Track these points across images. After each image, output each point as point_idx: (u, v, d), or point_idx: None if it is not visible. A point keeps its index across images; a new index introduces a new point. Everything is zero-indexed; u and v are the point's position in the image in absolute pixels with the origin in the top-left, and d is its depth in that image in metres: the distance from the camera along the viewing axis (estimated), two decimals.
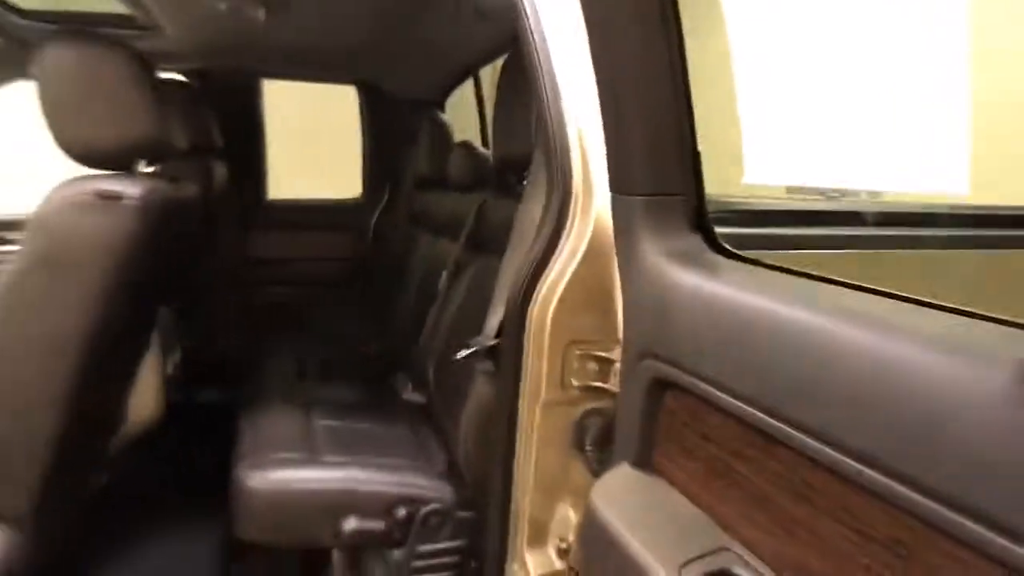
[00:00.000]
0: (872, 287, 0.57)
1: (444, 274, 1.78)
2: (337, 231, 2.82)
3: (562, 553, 1.10)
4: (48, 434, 1.07)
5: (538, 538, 1.12)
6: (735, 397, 0.60)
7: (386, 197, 2.83)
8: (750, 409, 0.58)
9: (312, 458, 1.28)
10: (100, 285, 1.07)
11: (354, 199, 2.88)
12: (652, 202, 0.77)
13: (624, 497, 0.73)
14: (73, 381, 1.06)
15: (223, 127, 2.47)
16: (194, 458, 1.91)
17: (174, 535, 1.59)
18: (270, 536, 1.21)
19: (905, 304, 0.53)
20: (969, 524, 0.38)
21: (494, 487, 1.13)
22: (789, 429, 0.53)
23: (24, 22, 2.00)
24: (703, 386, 0.65)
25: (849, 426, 0.48)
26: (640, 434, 0.76)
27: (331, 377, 1.85)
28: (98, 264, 1.06)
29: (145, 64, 1.21)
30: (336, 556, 1.24)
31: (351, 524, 1.20)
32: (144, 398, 1.70)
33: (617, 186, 0.82)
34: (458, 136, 2.32)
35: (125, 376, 1.48)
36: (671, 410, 0.73)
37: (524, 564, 1.11)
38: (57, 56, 1.13)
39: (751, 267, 0.70)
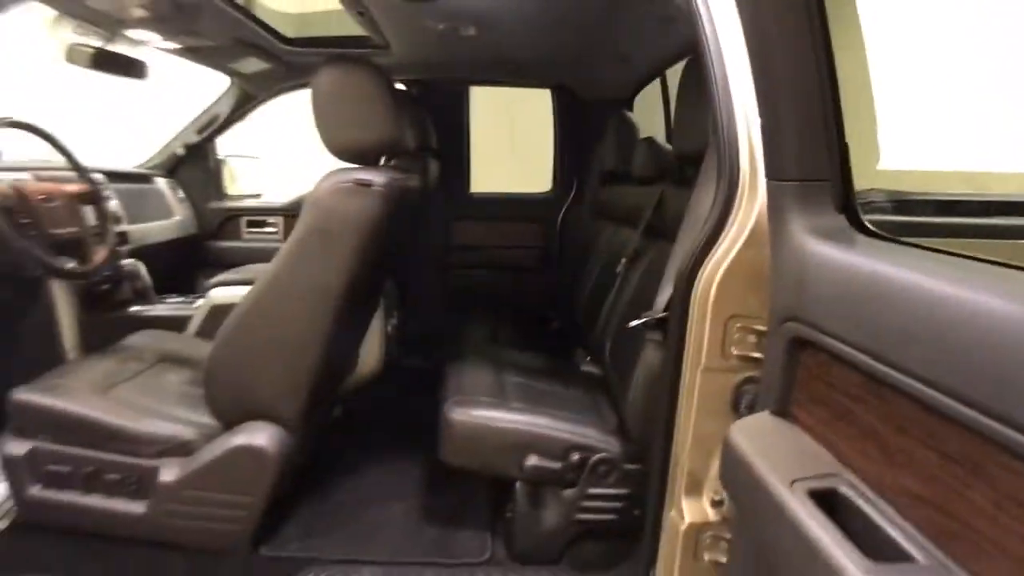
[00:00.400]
0: (988, 259, 0.66)
1: (623, 260, 1.95)
2: (529, 222, 3.09)
3: (715, 504, 1.23)
4: (314, 359, 1.42)
5: (694, 490, 1.25)
6: (858, 350, 0.71)
7: (573, 192, 3.05)
8: (868, 359, 0.69)
9: (504, 404, 1.53)
10: (352, 250, 1.40)
11: (545, 193, 3.13)
12: (802, 186, 0.89)
13: (757, 433, 0.86)
14: (331, 320, 1.40)
15: (437, 128, 2.85)
16: (405, 404, 2.28)
17: (389, 458, 1.94)
18: (467, 462, 1.47)
19: (1009, 271, 0.62)
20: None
21: (656, 443, 1.28)
22: (896, 373, 0.64)
23: (286, 47, 2.48)
24: (833, 342, 0.76)
25: (944, 369, 0.59)
26: (779, 386, 0.88)
27: (519, 346, 2.10)
28: (353, 234, 1.38)
29: (387, 80, 1.53)
30: (519, 487, 1.47)
31: (532, 461, 1.43)
32: (370, 351, 2.08)
33: (772, 173, 0.95)
34: (643, 133, 2.47)
35: (359, 329, 1.84)
36: (806, 365, 0.85)
37: (681, 512, 1.25)
38: (327, 75, 1.47)
39: (885, 243, 0.79)
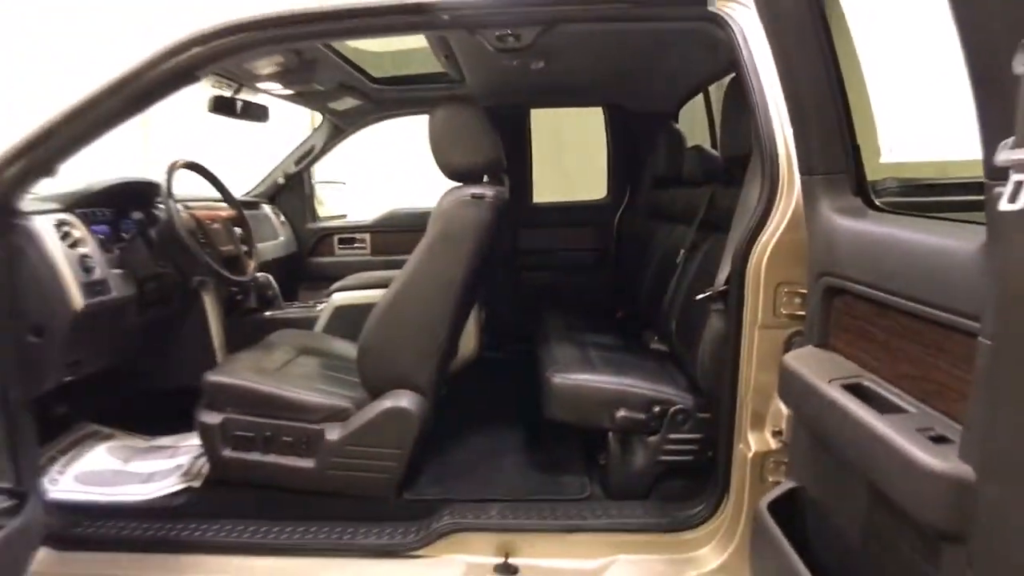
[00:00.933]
0: (949, 218, 0.98)
1: (682, 251, 2.27)
2: (586, 226, 3.44)
3: (775, 435, 1.55)
4: (442, 338, 1.80)
5: (757, 425, 1.57)
6: (871, 288, 1.04)
7: (627, 197, 3.39)
8: (878, 293, 1.02)
9: (594, 369, 1.88)
10: (469, 250, 1.77)
11: (600, 200, 3.47)
12: (827, 179, 1.22)
13: (804, 357, 1.19)
14: (453, 306, 1.78)
15: (507, 148, 3.22)
16: (494, 385, 2.65)
17: (492, 426, 2.30)
18: (568, 417, 1.82)
19: (959, 225, 0.94)
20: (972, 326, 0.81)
21: (724, 391, 1.61)
22: (895, 299, 0.97)
23: (374, 85, 2.89)
24: (855, 286, 1.09)
25: (922, 288, 0.91)
26: (818, 325, 1.21)
27: (593, 331, 2.45)
28: (470, 237, 1.76)
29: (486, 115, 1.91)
30: (611, 437, 1.81)
31: (622, 413, 1.76)
32: (468, 339, 2.44)
33: (804, 170, 1.28)
34: (689, 142, 2.80)
35: (464, 319, 2.20)
36: (836, 307, 1.17)
37: (748, 444, 1.57)
38: (442, 112, 1.85)
39: (889, 215, 1.12)
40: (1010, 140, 0.64)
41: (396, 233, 3.39)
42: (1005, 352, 0.69)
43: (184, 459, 2.12)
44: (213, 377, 1.88)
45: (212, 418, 1.87)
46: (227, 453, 1.87)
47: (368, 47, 2.68)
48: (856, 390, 1.01)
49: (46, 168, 1.68)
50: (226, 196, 2.42)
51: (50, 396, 2.06)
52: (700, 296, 1.69)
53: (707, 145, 2.78)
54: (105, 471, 2.08)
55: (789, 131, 1.45)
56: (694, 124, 3.19)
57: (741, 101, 1.68)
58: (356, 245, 3.47)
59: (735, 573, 1.61)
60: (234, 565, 1.71)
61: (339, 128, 3.25)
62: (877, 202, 1.18)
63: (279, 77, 2.38)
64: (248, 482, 1.89)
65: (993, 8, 0.67)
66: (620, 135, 3.35)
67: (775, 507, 1.27)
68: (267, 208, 3.27)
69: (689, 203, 2.42)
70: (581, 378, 1.82)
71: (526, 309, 3.06)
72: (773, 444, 1.55)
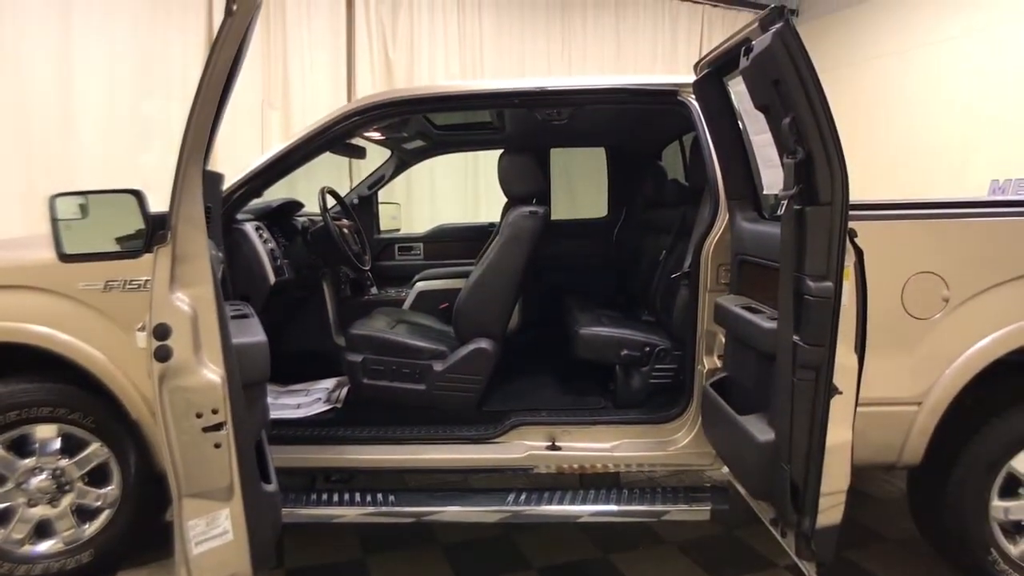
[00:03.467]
0: None
1: (663, 252, 3.27)
2: (592, 238, 4.45)
3: (719, 358, 2.54)
4: (509, 304, 2.80)
5: (708, 353, 2.57)
6: (758, 258, 2.06)
7: (623, 216, 4.40)
8: (762, 260, 2.03)
9: (605, 325, 2.87)
10: (526, 249, 2.76)
11: (602, 218, 4.49)
12: (740, 201, 2.24)
13: (728, 298, 2.21)
14: (515, 286, 2.77)
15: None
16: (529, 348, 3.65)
17: (535, 368, 3.28)
18: (590, 355, 2.80)
19: None
20: None
21: (689, 334, 2.59)
22: (767, 261, 1.98)
23: (437, 131, 3.90)
24: (751, 258, 2.11)
25: (775, 254, 1.92)
26: (735, 281, 2.22)
27: (602, 306, 3.45)
28: (529, 240, 2.75)
29: (534, 153, 2.91)
30: (617, 368, 2.79)
31: (624, 352, 2.75)
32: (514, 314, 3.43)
33: (729, 196, 2.29)
34: (671, 174, 3.82)
35: (519, 296, 3.19)
36: (744, 271, 2.20)
37: (703, 365, 2.56)
38: (509, 157, 2.86)
39: (769, 221, 2.15)
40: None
41: (444, 243, 4.38)
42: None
43: (321, 394, 3.07)
44: (354, 330, 2.84)
45: (355, 357, 2.82)
46: (366, 381, 2.82)
47: None
48: (749, 308, 2.02)
49: (257, 192, 2.67)
50: (347, 212, 3.42)
51: None
52: (674, 275, 2.69)
53: (681, 178, 3.81)
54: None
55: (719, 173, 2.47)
56: (675, 162, 4.22)
57: (699, 152, 2.69)
58: (412, 252, 4.45)
59: (698, 445, 2.58)
60: (374, 451, 2.66)
61: (405, 162, 4.25)
62: (764, 214, 2.19)
63: (383, 130, 3.38)
64: (380, 402, 2.84)
65: (780, 125, 1.69)
66: (617, 169, 4.39)
67: (713, 386, 2.27)
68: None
69: (669, 219, 3.43)
70: (598, 330, 2.81)
71: (545, 298, 4.06)
72: (718, 363, 2.54)
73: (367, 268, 3.38)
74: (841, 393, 1.78)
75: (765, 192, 2.23)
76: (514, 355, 3.37)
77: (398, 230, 4.68)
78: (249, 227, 2.73)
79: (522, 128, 3.82)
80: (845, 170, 1.69)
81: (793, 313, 1.77)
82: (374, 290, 3.84)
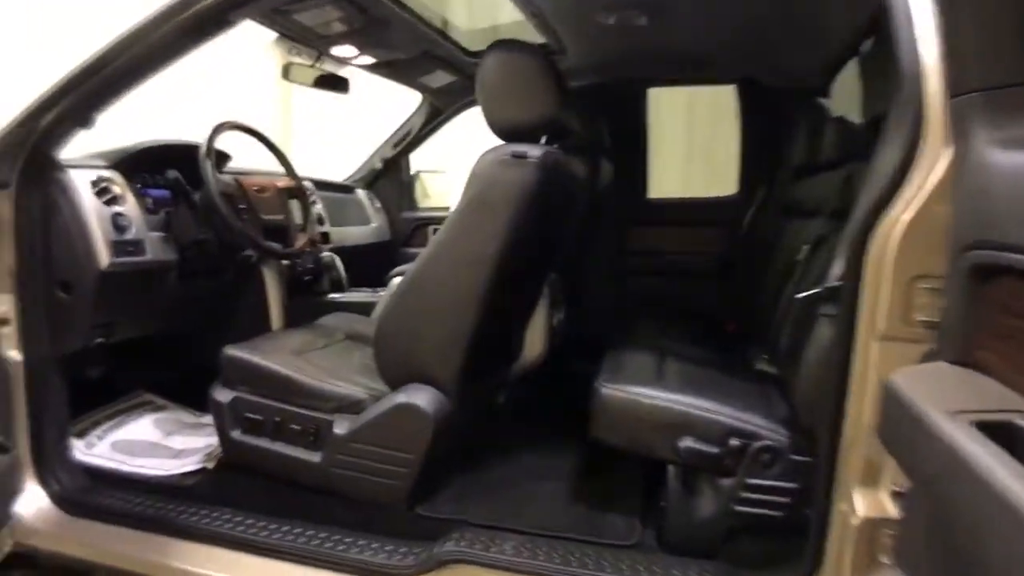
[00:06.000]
0: None
1: (804, 247, 1.78)
2: (710, 226, 2.95)
3: (896, 496, 1.05)
4: (469, 326, 1.48)
5: (870, 479, 1.09)
6: None
7: (763, 193, 2.86)
8: None
9: (659, 383, 1.46)
10: (508, 219, 1.43)
11: (730, 196, 2.98)
12: (988, 96, 0.75)
13: (924, 375, 0.73)
14: (485, 288, 1.45)
15: (612, 132, 2.84)
16: (568, 400, 2.28)
17: (546, 443, 1.94)
18: (616, 439, 1.42)
19: None
20: None
21: (826, 424, 1.14)
22: None
23: (469, 58, 2.64)
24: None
25: None
26: (958, 324, 0.74)
27: (688, 341, 2.00)
28: (509, 203, 1.42)
29: (550, 62, 1.57)
30: (671, 471, 1.38)
31: (687, 443, 1.34)
32: (534, 341, 2.10)
33: (953, 90, 0.81)
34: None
35: (521, 314, 1.87)
36: (990, 298, 0.70)
37: (852, 505, 1.10)
38: (493, 58, 1.54)
39: None
40: None
41: None
42: None
43: (214, 439, 1.98)
44: (230, 351, 1.71)
45: (223, 395, 1.70)
46: (236, 435, 1.69)
47: (457, 22, 2.43)
48: (1004, 434, 0.56)
49: (82, 117, 1.60)
50: (283, 163, 2.28)
51: (103, 360, 2.03)
52: (802, 295, 1.23)
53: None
54: (142, 442, 2.00)
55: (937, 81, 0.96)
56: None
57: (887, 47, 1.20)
58: None
59: None
60: (224, 559, 1.51)
61: (437, 109, 3.05)
62: None
63: (352, 40, 2.21)
64: (255, 470, 1.69)
65: None
66: (755, 118, 2.84)
67: None
68: (361, 193, 3.16)
69: (824, 193, 1.92)
70: (638, 391, 1.41)
71: (628, 317, 2.65)
72: (891, 509, 1.06)
73: (290, 250, 2.19)
74: None
75: None
76: (517, 414, 2.07)
77: (446, 208, 3.50)
78: (77, 177, 1.69)
79: (594, 49, 2.46)
80: None
81: None
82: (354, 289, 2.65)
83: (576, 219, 2.06)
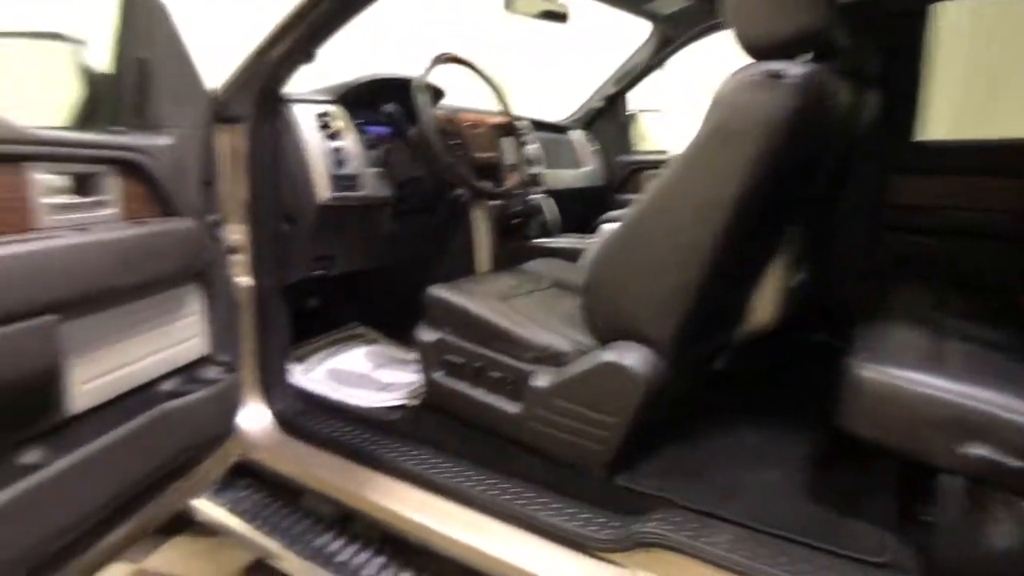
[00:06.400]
0: None
1: None
2: (1004, 176, 2.35)
3: None
4: (693, 282, 1.26)
5: None
6: None
7: None
8: None
9: (940, 368, 1.13)
10: (755, 155, 1.17)
11: None
12: None
13: None
14: (720, 237, 1.21)
15: (884, 58, 2.34)
16: (803, 375, 1.96)
17: (774, 422, 1.67)
18: (875, 433, 1.12)
19: None
20: None
21: None
22: None
23: None
24: None
25: None
26: None
27: (974, 318, 1.58)
28: (758, 135, 1.15)
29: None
30: (947, 482, 1.06)
31: (977, 451, 1.01)
32: (764, 302, 1.81)
33: None
34: None
35: (754, 270, 1.60)
36: None
37: None
38: None
39: None
40: None
41: None
42: None
43: (419, 377, 2.00)
44: (435, 291, 1.67)
45: (428, 335, 1.67)
46: (438, 376, 1.66)
47: None
48: None
49: (306, 52, 1.62)
50: (499, 97, 2.17)
51: (321, 291, 2.13)
52: None
53: None
54: (353, 372, 2.08)
55: None
56: None
57: None
58: None
59: None
60: (415, 499, 1.51)
61: (668, 38, 2.75)
62: None
63: None
64: (455, 414, 1.65)
65: None
66: None
67: None
68: (576, 135, 2.99)
69: None
70: (908, 376, 1.09)
71: (877, 284, 2.21)
72: None
73: (499, 189, 2.07)
74: None
75: None
76: (743, 386, 1.81)
77: (663, 152, 3.22)
78: (300, 112, 1.73)
79: None
80: None
81: None
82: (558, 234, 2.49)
83: (834, 160, 1.71)
